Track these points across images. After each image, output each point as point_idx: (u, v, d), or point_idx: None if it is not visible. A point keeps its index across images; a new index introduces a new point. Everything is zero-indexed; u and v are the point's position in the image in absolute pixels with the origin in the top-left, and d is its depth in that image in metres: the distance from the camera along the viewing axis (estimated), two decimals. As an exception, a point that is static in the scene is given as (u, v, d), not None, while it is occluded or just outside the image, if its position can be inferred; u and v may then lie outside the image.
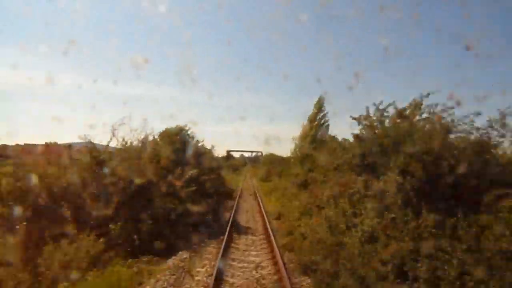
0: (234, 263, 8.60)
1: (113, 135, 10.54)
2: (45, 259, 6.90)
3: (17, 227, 8.53)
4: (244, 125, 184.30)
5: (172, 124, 16.99)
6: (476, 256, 5.38)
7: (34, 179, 8.23)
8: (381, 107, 8.43)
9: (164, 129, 15.99)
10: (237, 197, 22.67)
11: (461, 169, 6.46)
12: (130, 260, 7.90)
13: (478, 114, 7.06)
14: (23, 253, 7.23)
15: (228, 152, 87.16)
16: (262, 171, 45.35)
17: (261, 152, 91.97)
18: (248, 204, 20.45)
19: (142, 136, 11.83)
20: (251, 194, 26.00)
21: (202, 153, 18.69)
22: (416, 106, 7.96)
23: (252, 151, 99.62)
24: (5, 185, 8.15)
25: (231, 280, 7.37)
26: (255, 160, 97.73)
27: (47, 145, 11.43)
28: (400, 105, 8.20)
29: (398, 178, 6.92)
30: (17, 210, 7.90)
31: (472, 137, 7.19)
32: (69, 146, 11.30)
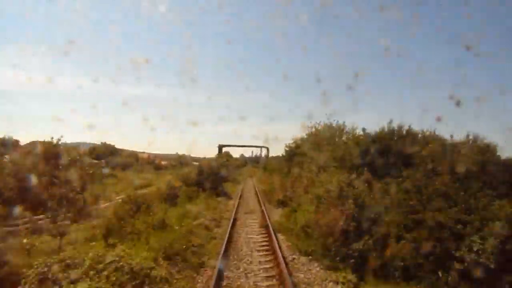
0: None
1: None
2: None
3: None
4: (244, 125, 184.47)
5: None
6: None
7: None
8: None
9: None
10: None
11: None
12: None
13: None
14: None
15: (221, 147, 66.17)
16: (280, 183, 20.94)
17: (266, 148, 74.62)
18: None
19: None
20: None
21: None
22: None
23: (253, 146, 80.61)
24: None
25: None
26: (257, 161, 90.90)
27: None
28: None
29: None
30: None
31: None
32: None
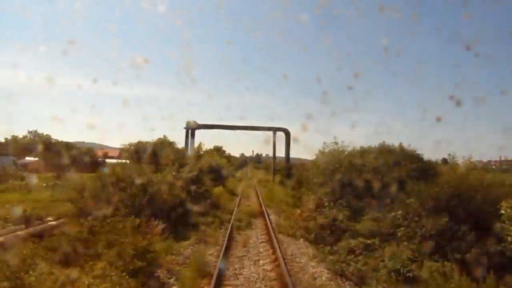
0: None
1: None
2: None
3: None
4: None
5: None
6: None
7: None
8: None
9: None
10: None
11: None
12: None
13: None
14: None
15: (191, 129, 42.63)
16: None
17: (284, 131, 48.56)
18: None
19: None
20: None
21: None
22: None
23: (259, 128, 49.19)
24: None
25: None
26: (258, 161, 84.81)
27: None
28: None
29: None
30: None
31: None
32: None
